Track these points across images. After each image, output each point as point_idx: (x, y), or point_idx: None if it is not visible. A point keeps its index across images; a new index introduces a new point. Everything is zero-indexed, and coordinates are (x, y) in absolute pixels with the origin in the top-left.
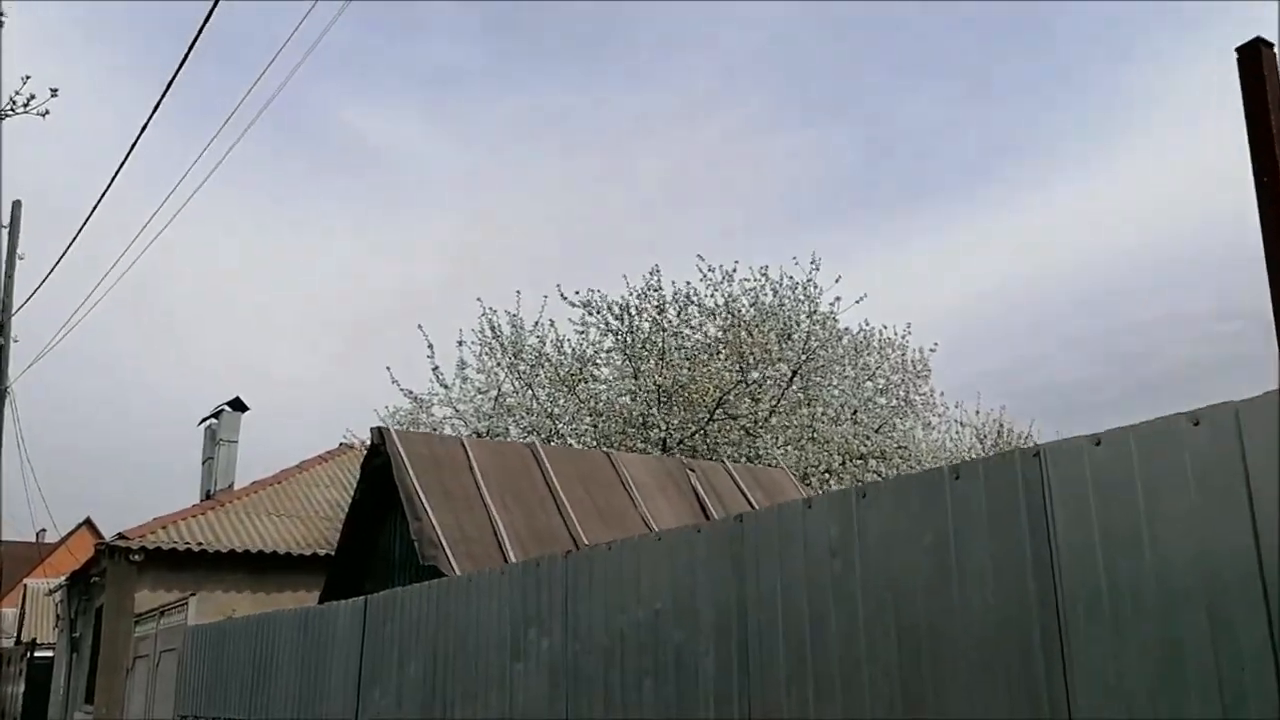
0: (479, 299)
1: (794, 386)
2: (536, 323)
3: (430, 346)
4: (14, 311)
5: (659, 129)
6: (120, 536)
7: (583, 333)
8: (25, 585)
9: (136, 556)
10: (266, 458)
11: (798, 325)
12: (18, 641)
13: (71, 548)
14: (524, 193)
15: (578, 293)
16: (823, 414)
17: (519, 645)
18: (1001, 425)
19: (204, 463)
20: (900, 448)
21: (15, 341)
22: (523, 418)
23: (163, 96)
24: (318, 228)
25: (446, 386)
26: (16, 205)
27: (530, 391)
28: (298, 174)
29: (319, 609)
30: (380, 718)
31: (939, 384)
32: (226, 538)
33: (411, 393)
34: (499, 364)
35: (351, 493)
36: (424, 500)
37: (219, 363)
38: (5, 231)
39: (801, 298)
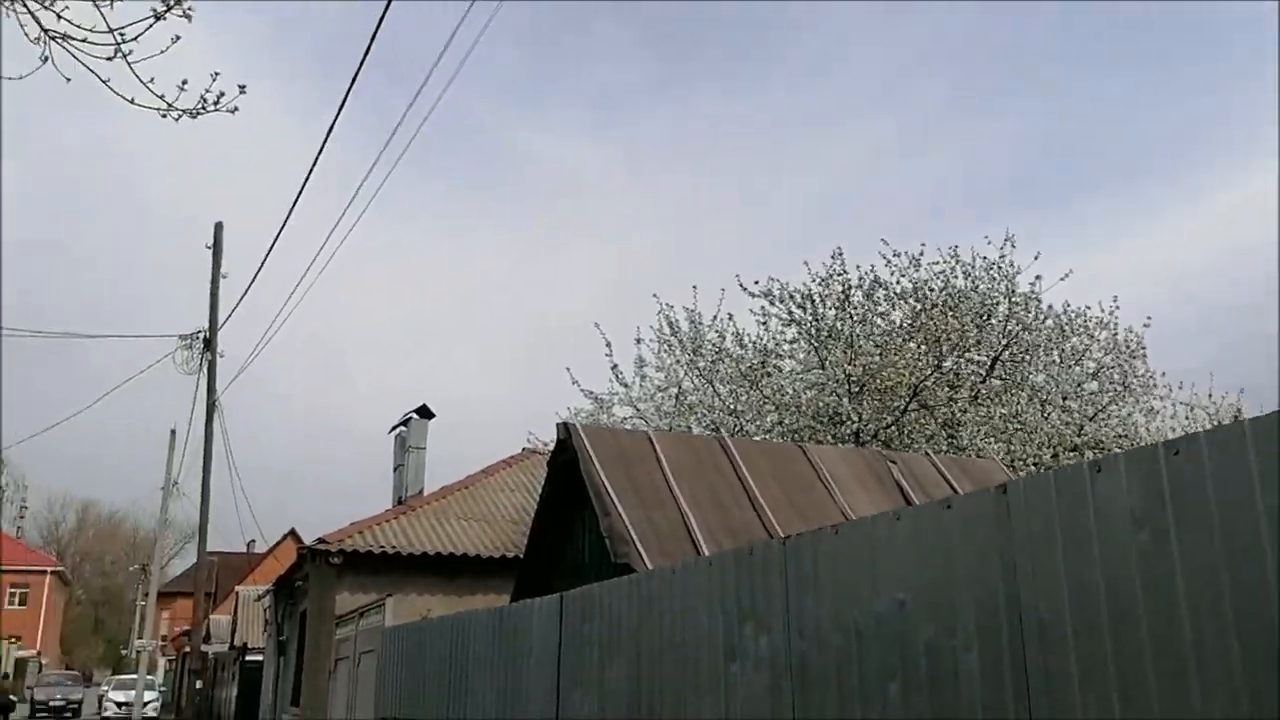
0: (655, 295)
1: (995, 374)
2: (715, 317)
3: (608, 345)
4: (220, 327)
5: (827, 126)
6: (320, 541)
7: (764, 324)
8: (237, 592)
9: (335, 560)
10: (454, 465)
11: (995, 308)
12: (231, 646)
13: (278, 557)
14: (695, 194)
15: (757, 283)
16: (1029, 403)
17: (733, 643)
18: (1240, 410)
19: (395, 470)
20: (1120, 436)
21: (222, 356)
22: (704, 415)
23: (336, 116)
24: (488, 243)
25: (626, 385)
26: (219, 227)
27: (711, 388)
28: (467, 191)
29: (513, 608)
30: None
31: (1157, 366)
32: (419, 541)
33: (592, 393)
34: (677, 361)
35: (535, 496)
36: (613, 495)
37: (400, 378)
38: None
39: (997, 278)
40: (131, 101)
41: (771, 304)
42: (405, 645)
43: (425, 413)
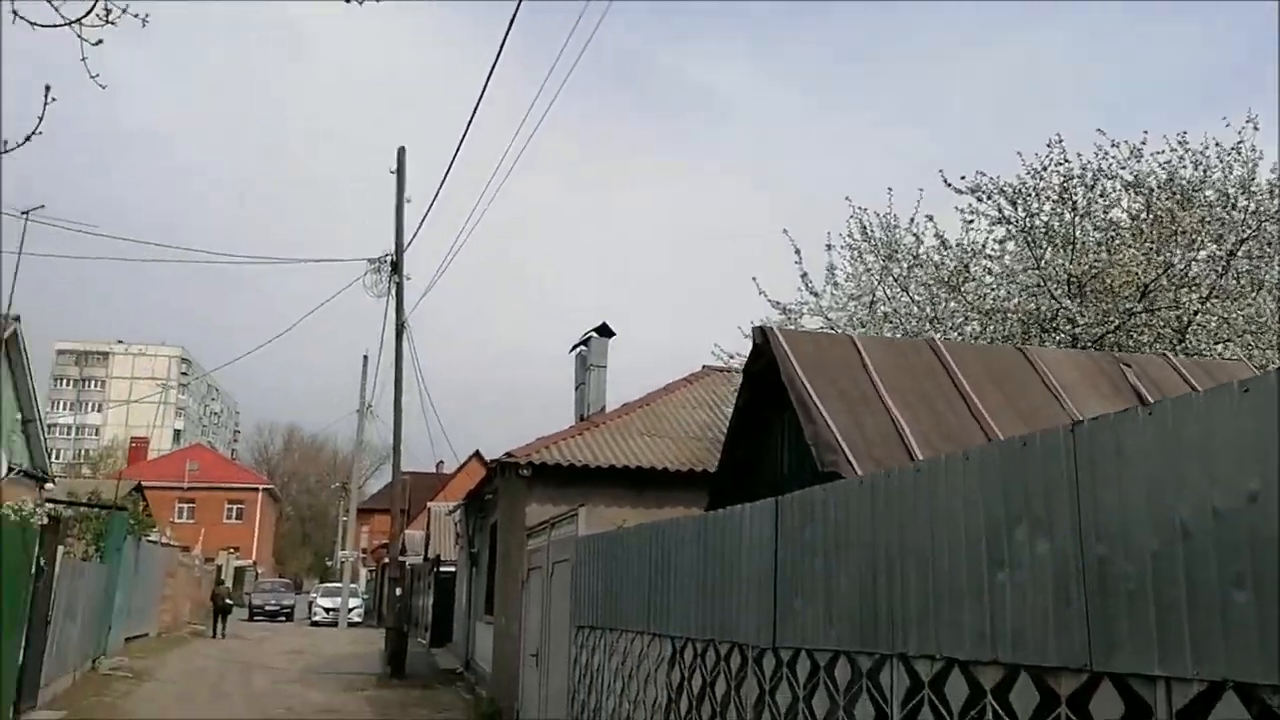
0: (847, 198)
1: (1232, 271)
2: (912, 219)
3: (797, 252)
4: (405, 249)
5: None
6: (509, 455)
7: (970, 222)
8: (429, 508)
9: (525, 471)
10: (633, 383)
11: (1231, 198)
12: (425, 558)
13: (465, 476)
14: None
15: (963, 178)
16: (1270, 302)
17: (1000, 550)
18: None
19: (576, 388)
20: None
21: (408, 279)
22: (900, 323)
23: (502, 46)
24: (656, 166)
25: (816, 294)
26: (401, 151)
27: (906, 295)
28: (633, 114)
29: (719, 515)
30: (805, 638)
31: None
32: (604, 456)
33: (779, 303)
34: (868, 269)
35: (718, 413)
36: (817, 401)
37: (576, 301)
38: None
39: (1234, 165)
40: None
41: (980, 200)
42: (600, 555)
43: (605, 331)
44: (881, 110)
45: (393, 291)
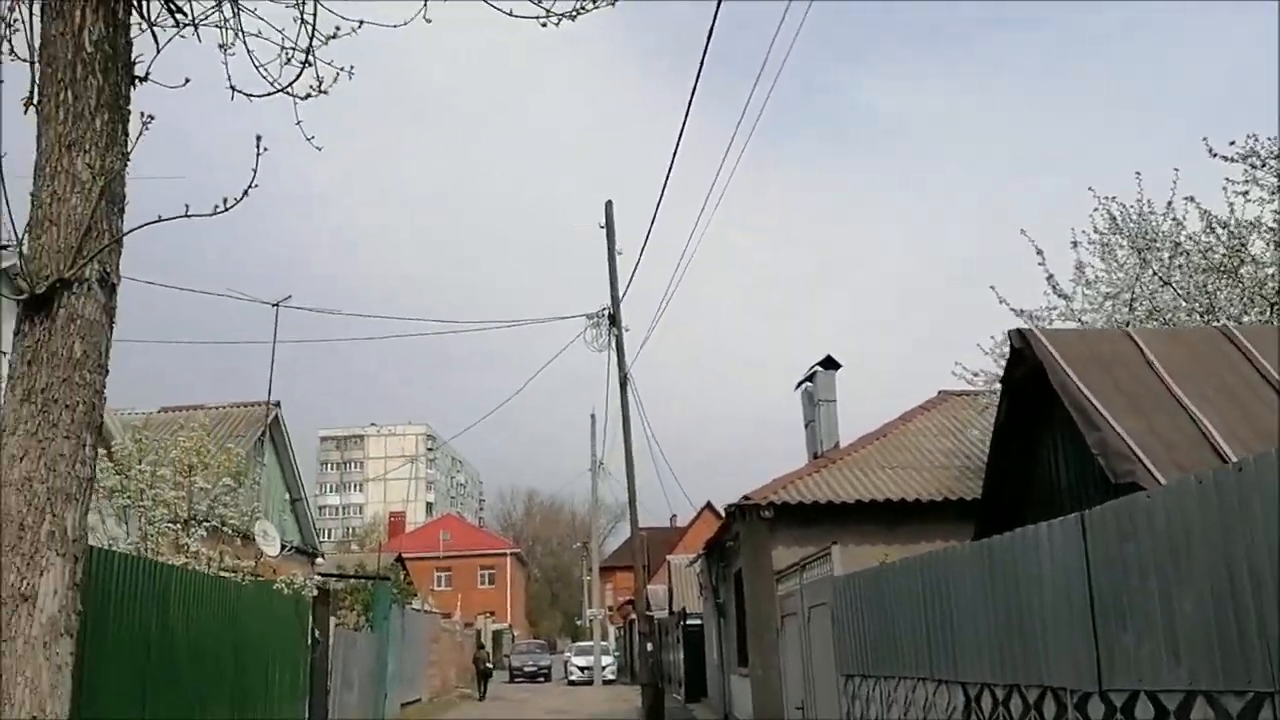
0: (1090, 189)
1: None
2: (1169, 203)
3: (1039, 253)
4: (620, 300)
5: None
6: (745, 499)
7: (1245, 194)
8: (668, 561)
9: (767, 513)
10: (862, 418)
11: None
12: (670, 612)
13: (698, 529)
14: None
15: (1232, 143)
16: None
17: None
18: None
19: (806, 426)
20: None
21: (627, 331)
22: (1168, 319)
23: (691, 100)
24: (858, 202)
25: (1066, 297)
26: (609, 205)
27: (1170, 289)
28: (826, 145)
29: (1005, 539)
30: (1143, 677)
31: None
32: (848, 491)
33: (1024, 311)
34: (1122, 265)
35: (962, 439)
36: (1098, 405)
37: (781, 343)
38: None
39: None
40: (510, 14)
41: (1255, 166)
42: (862, 595)
43: (830, 364)
44: (1110, 95)
45: (612, 344)
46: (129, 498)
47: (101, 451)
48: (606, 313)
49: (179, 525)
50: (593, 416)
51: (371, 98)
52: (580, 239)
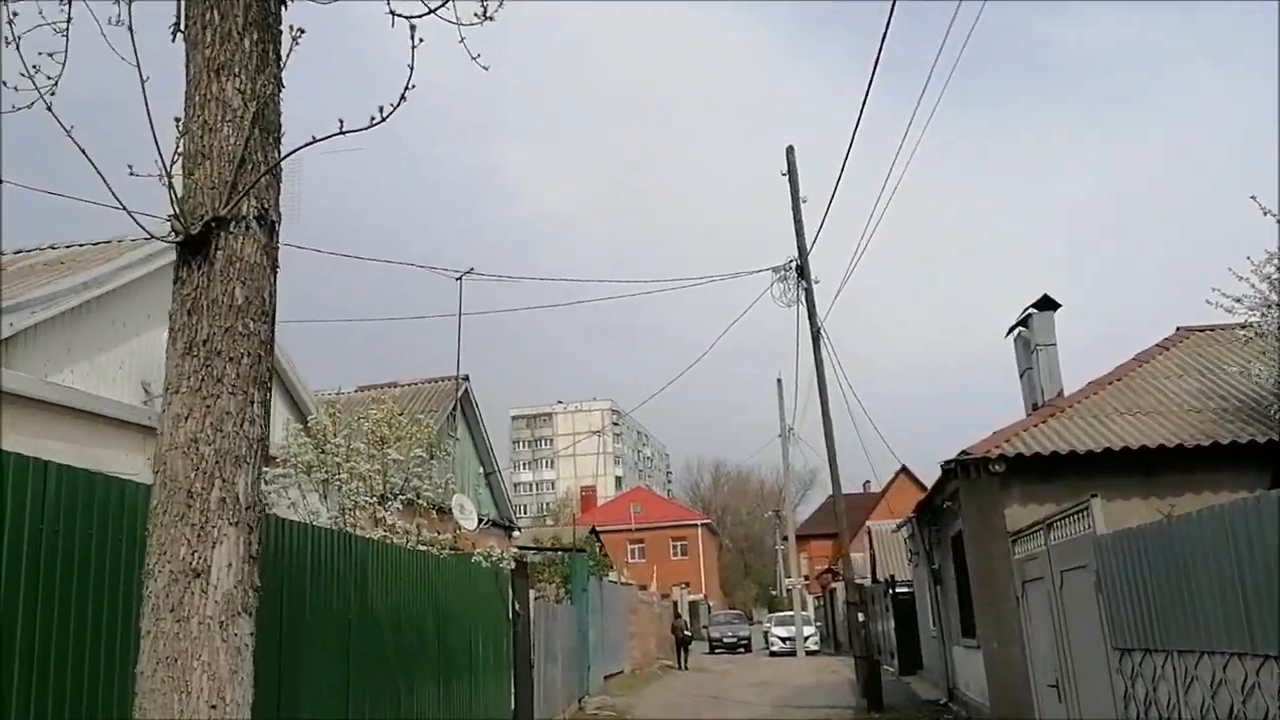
0: None
1: None
2: None
3: None
4: (808, 252)
5: None
6: (964, 454)
7: None
8: (868, 528)
9: (997, 468)
10: (1078, 370)
11: None
12: (873, 580)
13: (894, 495)
14: None
15: None
16: None
17: None
18: None
19: (1022, 375)
20: None
21: (816, 283)
22: None
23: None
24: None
25: None
26: (790, 151)
27: None
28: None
29: None
30: None
31: None
32: (1091, 441)
33: None
34: None
35: (1213, 379)
36: None
37: (969, 300)
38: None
39: None
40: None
41: None
42: (1145, 554)
43: (1047, 304)
44: None
45: (801, 297)
46: (327, 472)
47: (297, 426)
48: (794, 264)
49: (375, 499)
50: (779, 381)
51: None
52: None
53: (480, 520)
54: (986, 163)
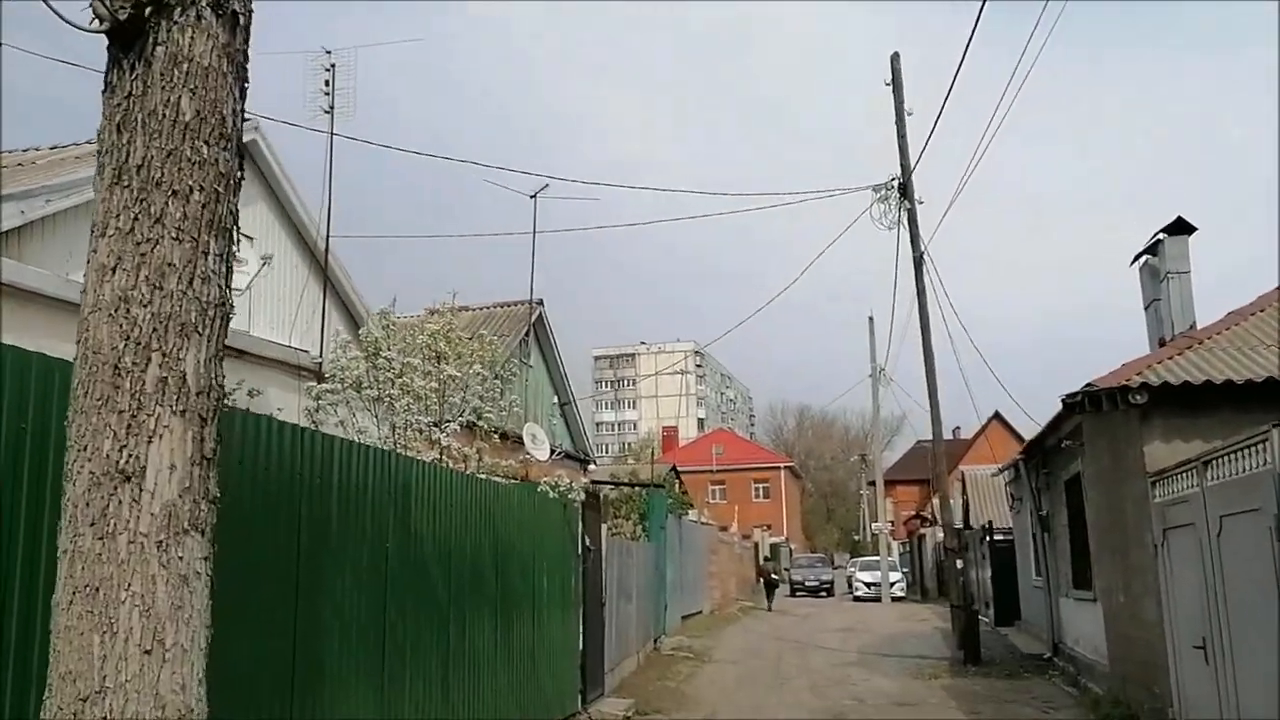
0: None
1: None
2: None
3: None
4: (912, 169)
5: None
6: (1089, 386)
7: None
8: (963, 472)
9: (1138, 398)
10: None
11: None
12: (965, 526)
13: (988, 440)
14: None
15: None
16: None
17: None
18: None
19: (1147, 307)
20: None
21: (920, 204)
22: None
23: None
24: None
25: None
26: (895, 58)
27: None
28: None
29: None
30: None
31: None
32: (1225, 375)
33: None
34: None
35: None
36: None
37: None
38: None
39: None
40: None
41: None
42: None
43: (1181, 227)
44: None
45: (903, 219)
46: (379, 388)
47: (347, 339)
48: (896, 183)
49: (430, 419)
50: (870, 319)
51: None
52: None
53: (553, 451)
54: (1100, 81)
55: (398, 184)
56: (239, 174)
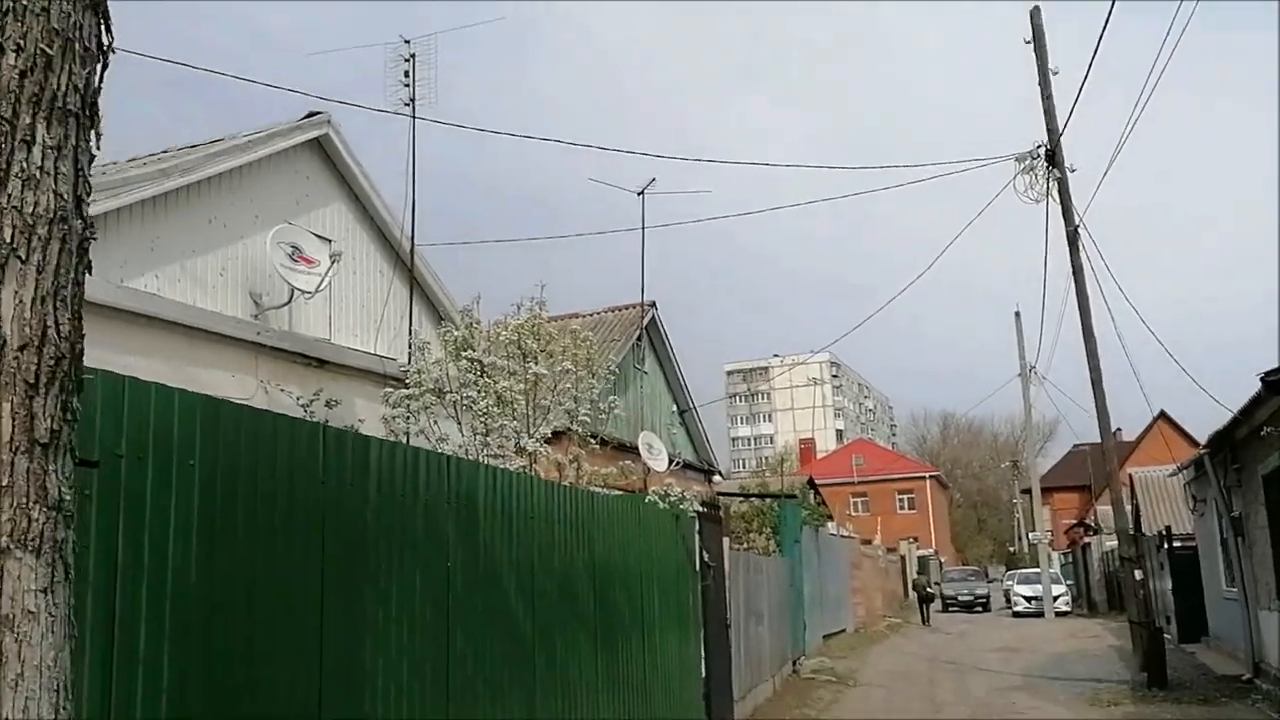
0: None
1: None
2: None
3: None
4: (1060, 132)
5: None
6: None
7: None
8: (1129, 475)
9: None
10: None
11: None
12: (1136, 533)
13: (1149, 447)
14: None
15: None
16: None
17: None
18: None
19: None
20: None
21: (1072, 171)
22: None
23: None
24: None
25: None
26: (1035, 13)
27: None
28: None
29: None
30: None
31: None
32: None
33: None
34: None
35: None
36: None
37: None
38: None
39: None
40: None
41: None
42: None
43: None
44: None
45: (1053, 190)
46: (459, 391)
47: (425, 340)
48: (1042, 149)
49: (516, 423)
50: (1017, 314)
51: None
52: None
53: (672, 460)
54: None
55: (487, 187)
56: (103, 39)
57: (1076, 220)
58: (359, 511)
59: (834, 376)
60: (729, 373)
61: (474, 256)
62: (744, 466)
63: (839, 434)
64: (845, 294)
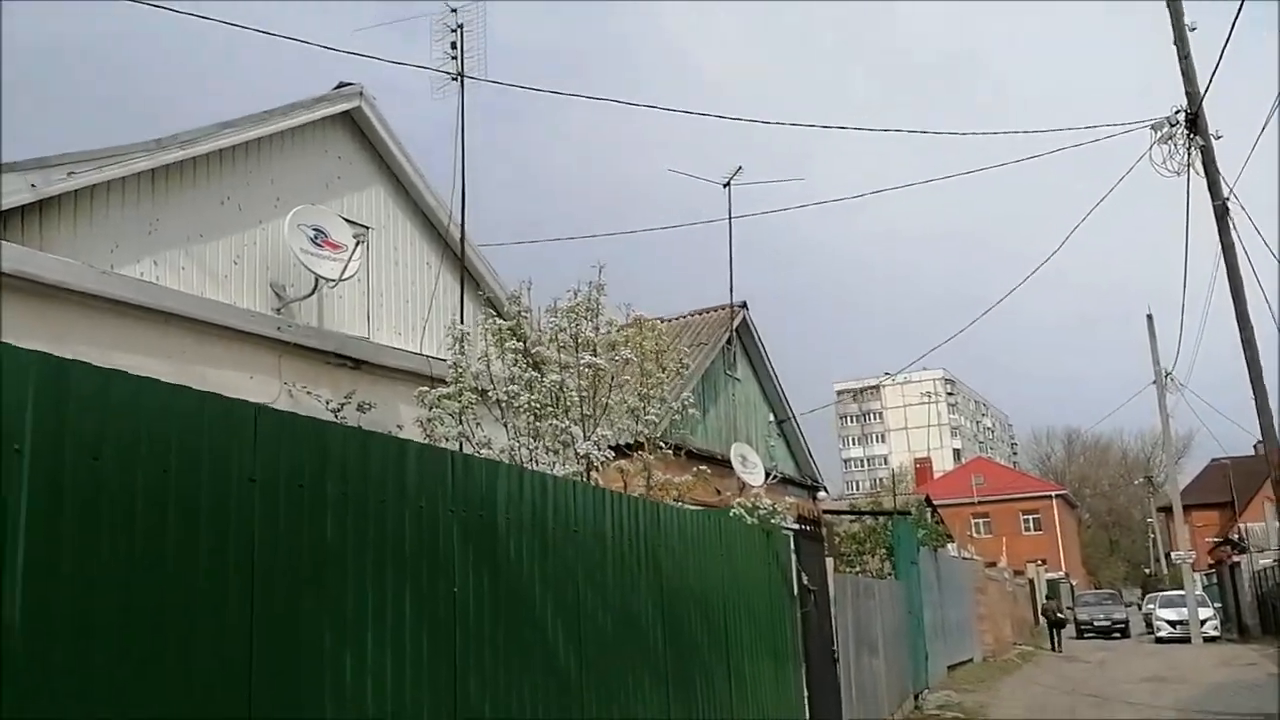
0: None
1: None
2: None
3: None
4: (1202, 95)
5: None
6: None
7: None
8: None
9: None
10: None
11: None
12: None
13: None
14: None
15: None
16: None
17: None
18: None
19: None
20: None
21: (1217, 138)
22: None
23: None
24: None
25: None
26: None
27: None
28: None
29: None
30: None
31: None
32: None
33: None
34: None
35: None
36: None
37: None
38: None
39: None
40: None
41: None
42: None
43: None
44: None
45: (1195, 159)
46: (500, 387)
47: (465, 330)
48: (1181, 114)
49: (571, 422)
50: (1149, 316)
51: None
52: None
53: (768, 474)
54: None
55: (550, 186)
56: None
57: (1225, 192)
58: (312, 520)
59: (949, 394)
60: (839, 392)
61: (536, 258)
62: (857, 488)
63: (956, 454)
64: (961, 308)
